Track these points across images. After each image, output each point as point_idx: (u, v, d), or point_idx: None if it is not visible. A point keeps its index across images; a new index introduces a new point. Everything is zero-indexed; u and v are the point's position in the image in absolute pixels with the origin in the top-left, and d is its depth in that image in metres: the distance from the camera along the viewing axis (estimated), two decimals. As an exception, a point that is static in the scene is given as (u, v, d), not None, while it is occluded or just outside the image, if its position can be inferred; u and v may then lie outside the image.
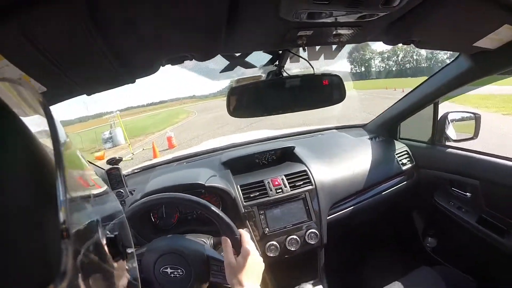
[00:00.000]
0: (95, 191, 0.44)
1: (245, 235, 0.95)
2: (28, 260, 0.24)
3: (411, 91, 1.78)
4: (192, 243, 1.00)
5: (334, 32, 0.84)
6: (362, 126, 2.24)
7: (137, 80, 0.91)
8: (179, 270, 0.92)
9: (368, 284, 1.48)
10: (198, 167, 1.63)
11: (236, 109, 0.99)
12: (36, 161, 0.28)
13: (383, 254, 2.14)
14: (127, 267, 0.45)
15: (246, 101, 1.00)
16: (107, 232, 0.41)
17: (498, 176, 1.41)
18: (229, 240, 0.92)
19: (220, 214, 0.97)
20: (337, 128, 2.24)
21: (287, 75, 1.05)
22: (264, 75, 1.11)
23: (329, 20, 0.71)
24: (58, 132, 0.27)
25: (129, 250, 0.45)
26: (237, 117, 1.00)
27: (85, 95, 0.90)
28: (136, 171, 1.78)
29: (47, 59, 0.60)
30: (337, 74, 1.03)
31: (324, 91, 1.03)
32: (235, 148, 1.85)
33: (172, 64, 0.88)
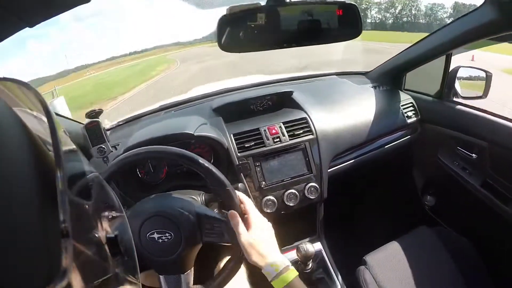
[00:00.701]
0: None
1: (247, 202, 0.87)
2: (28, 259, 0.24)
3: (422, 39, 1.62)
4: (179, 201, 0.89)
5: None
6: (364, 74, 2.10)
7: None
8: (167, 234, 0.83)
9: (367, 241, 1.44)
10: (187, 115, 1.50)
11: (228, 41, 0.83)
12: (35, 161, 0.27)
13: (382, 210, 2.12)
14: (127, 266, 0.44)
15: (240, 32, 0.84)
16: (107, 232, 0.39)
17: (509, 140, 1.32)
18: (237, 217, 0.83)
19: (210, 167, 0.84)
20: (337, 74, 2.09)
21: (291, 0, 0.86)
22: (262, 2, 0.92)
23: None
24: (58, 132, 0.26)
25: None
26: (229, 52, 0.85)
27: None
28: (120, 123, 1.65)
29: None
30: (353, 3, 0.85)
31: (337, 22, 0.86)
32: (228, 94, 1.71)
33: None
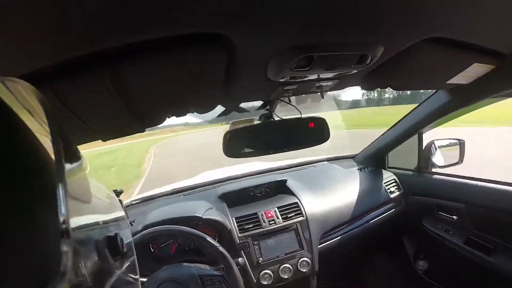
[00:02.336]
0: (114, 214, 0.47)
1: None
2: (28, 260, 0.24)
3: (396, 123, 1.90)
4: (183, 268, 1.09)
5: (316, 85, 0.95)
6: (352, 157, 2.35)
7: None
8: None
9: None
10: (196, 200, 1.71)
11: (232, 150, 1.09)
12: (36, 161, 0.27)
13: (376, 279, 2.20)
14: (127, 267, 0.46)
15: (240, 142, 1.10)
16: (107, 231, 0.41)
17: (482, 199, 1.51)
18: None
19: (215, 244, 1.06)
20: (328, 159, 2.35)
21: (278, 118, 1.17)
22: (256, 118, 1.23)
23: (310, 77, 0.83)
24: (58, 133, 0.27)
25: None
26: (233, 157, 1.11)
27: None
28: (134, 202, 1.84)
29: (75, 115, 0.68)
30: (322, 117, 1.15)
31: (310, 132, 1.13)
32: (231, 181, 1.94)
33: (177, 116, 1.00)
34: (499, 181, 1.49)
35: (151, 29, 0.49)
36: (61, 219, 0.24)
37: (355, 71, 0.83)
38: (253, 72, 0.77)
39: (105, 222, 0.43)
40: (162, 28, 0.50)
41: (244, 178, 1.98)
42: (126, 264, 0.47)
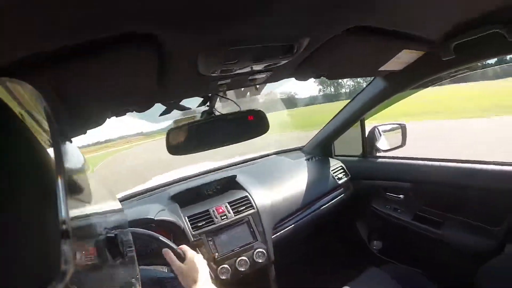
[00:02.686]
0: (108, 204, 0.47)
1: (186, 248, 1.06)
2: (28, 260, 0.24)
3: (339, 112, 1.99)
4: (144, 271, 1.09)
5: (250, 78, 0.99)
6: (300, 149, 2.43)
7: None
8: None
9: None
10: (148, 203, 1.69)
11: (175, 147, 1.11)
12: (36, 162, 0.27)
13: (333, 263, 2.28)
14: (127, 267, 0.46)
15: (183, 140, 1.12)
16: (108, 231, 0.41)
17: (425, 176, 1.64)
18: (170, 252, 1.01)
19: (158, 236, 1.07)
20: (277, 153, 2.41)
21: (219, 113, 1.19)
22: (199, 115, 1.25)
23: (241, 71, 0.87)
24: (58, 133, 0.27)
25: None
26: (176, 155, 1.12)
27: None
28: None
29: None
30: (261, 109, 1.19)
31: (250, 125, 1.17)
32: (182, 182, 1.94)
33: (117, 116, 1.00)
34: (438, 159, 1.62)
35: (80, 33, 0.50)
36: (61, 219, 0.24)
37: (284, 62, 0.86)
38: (184, 68, 0.79)
39: (105, 222, 0.43)
40: (90, 31, 0.50)
41: (195, 178, 1.99)
42: (126, 264, 0.46)
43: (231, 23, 0.61)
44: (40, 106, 0.28)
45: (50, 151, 0.27)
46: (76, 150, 0.39)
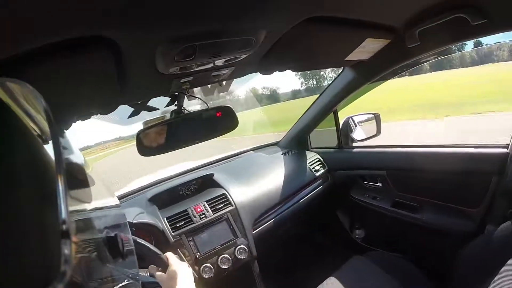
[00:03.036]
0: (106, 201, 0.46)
1: (170, 255, 1.03)
2: (28, 260, 0.24)
3: (311, 104, 2.01)
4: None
5: (213, 74, 0.99)
6: (276, 144, 2.45)
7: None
8: None
9: (307, 284, 1.57)
10: (127, 207, 1.67)
11: (146, 149, 1.09)
12: (36, 161, 0.27)
13: (316, 254, 2.32)
14: (127, 267, 0.46)
15: (153, 140, 1.11)
16: (108, 232, 0.41)
17: (399, 163, 1.68)
18: (155, 267, 1.00)
19: (142, 242, 1.05)
20: (253, 149, 2.42)
21: (187, 112, 1.19)
22: (168, 115, 1.25)
23: (202, 67, 0.87)
24: (58, 133, 0.27)
25: None
26: (147, 156, 1.10)
27: None
28: None
29: None
30: (229, 105, 1.19)
31: (219, 121, 1.17)
32: (160, 184, 1.93)
33: (82, 120, 0.99)
34: (412, 145, 1.67)
35: (31, 37, 0.50)
36: (61, 219, 0.24)
37: (244, 56, 0.86)
38: (142, 68, 0.79)
39: (105, 223, 0.43)
40: (40, 35, 0.50)
41: (172, 179, 1.97)
42: (126, 264, 0.46)
43: (182, 20, 0.61)
44: (40, 106, 0.28)
45: (50, 151, 0.27)
46: (77, 151, 0.39)
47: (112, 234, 0.42)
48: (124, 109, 1.15)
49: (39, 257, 0.25)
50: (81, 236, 0.31)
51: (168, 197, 1.71)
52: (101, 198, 0.46)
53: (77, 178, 0.36)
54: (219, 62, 0.88)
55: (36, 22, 0.46)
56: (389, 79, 1.70)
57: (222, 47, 0.77)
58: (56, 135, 0.27)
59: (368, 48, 1.17)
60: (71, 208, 0.26)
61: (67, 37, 0.53)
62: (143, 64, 0.76)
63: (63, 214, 0.24)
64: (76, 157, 0.38)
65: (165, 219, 1.53)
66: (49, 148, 0.27)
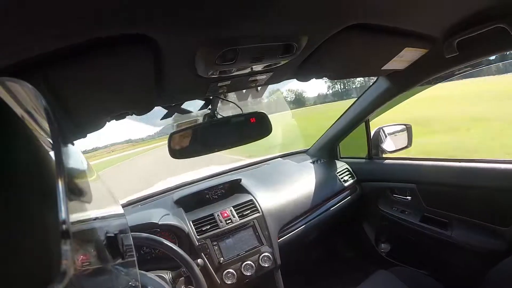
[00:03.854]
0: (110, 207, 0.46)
1: None
2: (29, 260, 0.24)
3: (343, 113, 1.97)
4: (155, 282, 1.06)
5: (250, 79, 0.98)
6: (305, 151, 2.42)
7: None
8: None
9: None
10: (152, 208, 1.69)
11: (177, 151, 1.10)
12: (36, 162, 0.27)
13: (340, 266, 2.26)
14: (126, 267, 0.46)
15: (185, 143, 1.11)
16: (107, 232, 0.42)
17: (431, 176, 1.62)
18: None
19: (172, 246, 1.06)
20: (281, 156, 2.40)
21: (221, 116, 1.18)
22: (200, 118, 1.24)
23: (241, 72, 0.86)
24: (59, 133, 0.27)
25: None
26: (179, 158, 1.10)
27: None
28: None
29: None
30: (263, 111, 1.18)
31: (252, 127, 1.16)
32: (186, 187, 1.93)
33: (116, 119, 0.99)
34: (443, 159, 1.60)
35: (72, 34, 0.50)
36: (61, 219, 0.24)
37: (284, 62, 0.85)
38: (181, 69, 0.78)
39: (105, 223, 0.43)
40: (82, 32, 0.50)
41: (199, 182, 1.98)
42: (126, 266, 0.46)
43: (226, 23, 0.61)
44: (40, 106, 0.28)
45: (50, 152, 0.27)
46: (79, 154, 0.39)
47: (112, 234, 0.42)
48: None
49: (39, 257, 0.25)
50: (81, 237, 0.31)
51: (195, 200, 1.71)
52: (103, 202, 0.46)
53: (79, 181, 0.36)
54: (258, 67, 0.86)
55: (73, 18, 0.46)
56: (424, 89, 1.65)
57: (264, 52, 0.76)
58: (56, 135, 0.27)
59: (405, 57, 1.14)
60: (72, 211, 0.26)
61: (108, 34, 0.53)
62: (183, 65, 0.76)
63: (63, 214, 0.24)
64: (79, 161, 0.38)
65: (191, 222, 1.53)
66: (50, 149, 0.27)
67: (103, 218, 0.44)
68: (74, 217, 0.28)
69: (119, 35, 0.54)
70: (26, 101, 0.28)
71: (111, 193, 0.56)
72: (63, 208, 0.24)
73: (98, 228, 0.39)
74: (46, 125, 0.27)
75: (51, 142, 0.27)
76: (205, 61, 0.73)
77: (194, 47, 0.68)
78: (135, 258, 0.55)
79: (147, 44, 0.59)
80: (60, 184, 0.25)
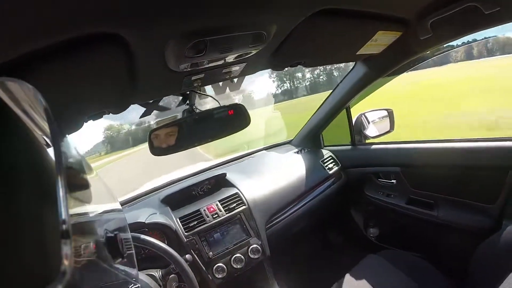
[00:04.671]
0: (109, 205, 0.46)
1: None
2: (28, 260, 0.24)
3: (323, 101, 1.99)
4: (142, 282, 1.06)
5: (224, 71, 0.98)
6: (289, 142, 2.43)
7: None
8: None
9: (322, 283, 1.57)
10: (140, 208, 1.68)
11: (157, 148, 1.09)
12: (36, 161, 0.28)
13: (330, 253, 2.30)
14: (126, 267, 0.46)
15: (165, 140, 1.10)
16: (107, 231, 0.42)
17: (414, 159, 1.65)
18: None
19: (158, 243, 1.05)
20: (266, 148, 2.41)
21: (199, 110, 1.19)
22: (180, 114, 1.24)
23: (213, 64, 0.86)
24: (58, 133, 0.27)
25: None
26: (159, 155, 1.09)
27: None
28: None
29: None
30: (240, 103, 1.18)
31: (231, 119, 1.16)
32: (173, 185, 1.93)
33: (94, 119, 0.98)
34: (425, 140, 1.62)
35: (40, 36, 0.49)
36: (61, 219, 0.24)
37: (255, 51, 0.85)
38: (153, 65, 0.78)
39: (104, 222, 0.43)
40: (49, 33, 0.50)
41: (184, 180, 1.97)
42: (126, 265, 0.46)
43: (191, 15, 0.61)
44: (40, 106, 0.27)
45: (50, 151, 0.27)
46: (77, 151, 0.39)
47: (112, 234, 0.42)
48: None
49: (39, 257, 0.25)
50: (81, 238, 0.31)
51: (181, 197, 1.71)
52: (102, 202, 0.45)
53: (79, 181, 0.36)
54: (230, 58, 0.86)
55: (41, 21, 0.45)
56: (402, 73, 1.67)
57: (233, 42, 0.76)
58: (56, 134, 0.27)
59: (380, 41, 1.15)
60: (72, 211, 0.27)
61: (72, 35, 0.52)
62: (154, 60, 0.75)
63: (63, 214, 0.24)
64: (78, 161, 0.39)
65: (177, 219, 1.53)
66: (49, 148, 0.27)
67: (102, 216, 0.43)
68: (73, 216, 0.27)
69: (86, 34, 0.54)
70: (25, 101, 0.28)
71: (109, 189, 0.56)
72: (63, 208, 0.24)
73: (97, 226, 0.39)
74: (45, 125, 0.27)
75: (50, 141, 0.27)
76: (175, 55, 0.73)
77: (162, 41, 0.67)
78: (134, 255, 0.55)
79: (115, 41, 0.59)
80: (60, 184, 0.24)
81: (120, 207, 0.60)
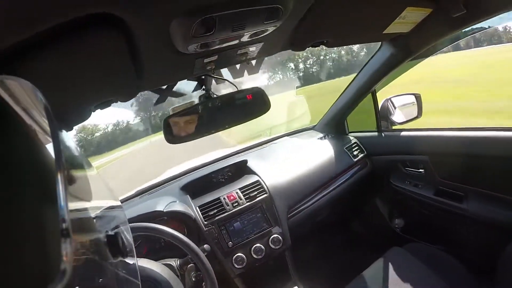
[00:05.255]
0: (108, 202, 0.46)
1: None
2: (28, 259, 0.24)
3: (347, 86, 1.90)
4: (158, 274, 1.04)
5: (239, 52, 0.91)
6: (312, 128, 2.35)
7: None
8: None
9: (344, 274, 1.52)
10: (159, 196, 1.67)
11: (174, 136, 1.04)
12: (36, 160, 0.28)
13: (354, 244, 2.24)
14: (127, 266, 0.46)
15: (181, 127, 1.06)
16: (108, 230, 0.41)
17: (444, 147, 1.54)
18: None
19: (174, 233, 1.02)
20: (288, 134, 2.34)
21: (216, 95, 1.13)
22: (196, 100, 1.19)
23: (226, 44, 0.79)
24: (59, 132, 0.27)
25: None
26: (176, 143, 1.05)
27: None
28: None
29: None
30: (259, 87, 1.11)
31: (250, 104, 1.10)
32: (193, 172, 1.90)
33: (101, 108, 0.95)
34: (458, 128, 1.51)
35: (37, 19, 0.46)
36: (61, 218, 0.23)
37: (271, 29, 0.77)
38: (158, 47, 0.72)
39: (104, 219, 0.43)
40: (46, 15, 0.46)
41: (204, 167, 1.94)
42: (127, 263, 0.46)
43: None
44: (40, 104, 0.27)
45: (50, 150, 0.26)
46: (76, 147, 0.38)
47: (113, 233, 0.41)
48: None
49: (39, 256, 0.25)
50: (81, 235, 0.30)
51: (201, 185, 1.68)
52: (102, 200, 0.45)
53: (79, 179, 0.35)
54: (245, 38, 0.79)
55: (32, 3, 0.42)
56: (432, 54, 1.56)
57: (245, 18, 0.68)
58: (56, 132, 0.26)
59: (408, 18, 1.07)
60: (72, 210, 0.25)
61: (61, 19, 0.48)
62: (158, 42, 0.70)
63: (63, 213, 0.23)
64: (78, 158, 0.38)
65: (197, 207, 1.50)
66: (49, 146, 0.27)
67: (103, 213, 0.43)
68: (73, 214, 0.26)
69: (84, 16, 0.49)
70: (26, 100, 0.27)
71: (108, 186, 0.54)
72: (63, 208, 0.23)
73: (97, 225, 0.38)
74: (44, 122, 0.27)
75: (51, 139, 0.26)
76: (181, 35, 0.66)
77: (165, 21, 0.61)
78: (134, 253, 0.53)
79: (115, 24, 0.55)
80: (60, 183, 0.24)
81: (120, 204, 0.58)
